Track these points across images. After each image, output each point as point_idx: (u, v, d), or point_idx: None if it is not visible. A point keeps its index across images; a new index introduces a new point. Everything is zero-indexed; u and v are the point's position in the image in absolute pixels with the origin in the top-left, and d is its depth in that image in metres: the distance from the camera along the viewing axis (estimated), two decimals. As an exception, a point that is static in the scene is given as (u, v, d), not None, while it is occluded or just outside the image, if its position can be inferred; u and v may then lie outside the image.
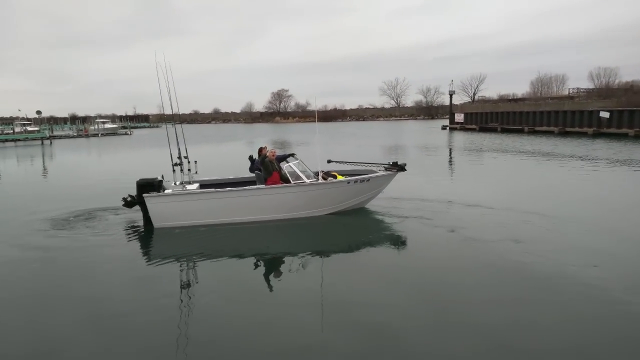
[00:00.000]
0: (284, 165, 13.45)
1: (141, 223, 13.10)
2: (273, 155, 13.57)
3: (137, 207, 13.18)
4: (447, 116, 78.36)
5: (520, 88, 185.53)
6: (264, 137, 65.77)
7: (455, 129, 68.09)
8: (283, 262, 10.32)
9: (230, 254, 10.71)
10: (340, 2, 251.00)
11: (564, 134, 48.84)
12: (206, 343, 6.55)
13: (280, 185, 13.15)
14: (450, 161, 29.68)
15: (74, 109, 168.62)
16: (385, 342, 6.42)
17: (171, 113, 13.69)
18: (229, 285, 8.84)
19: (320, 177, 13.53)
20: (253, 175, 14.30)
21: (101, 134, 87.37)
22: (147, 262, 10.58)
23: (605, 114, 45.95)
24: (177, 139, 13.12)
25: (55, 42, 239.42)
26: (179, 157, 13.30)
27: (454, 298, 7.85)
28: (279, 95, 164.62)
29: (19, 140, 65.42)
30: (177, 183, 13.39)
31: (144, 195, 12.56)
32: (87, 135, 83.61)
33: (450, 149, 37.93)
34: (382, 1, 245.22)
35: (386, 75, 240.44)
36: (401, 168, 14.16)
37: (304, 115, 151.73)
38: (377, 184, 14.16)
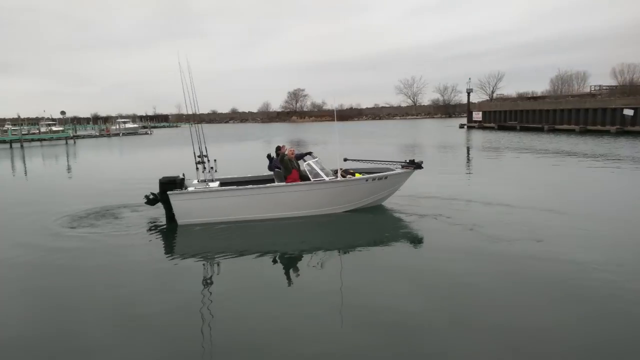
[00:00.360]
0: (304, 163, 13.72)
1: (163, 220, 13.41)
2: (292, 154, 13.87)
3: (159, 205, 13.49)
4: (465, 115, 77.88)
5: (540, 86, 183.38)
6: (281, 136, 66.11)
7: (473, 127, 67.69)
8: (302, 260, 10.43)
9: (251, 251, 10.87)
10: (356, 0, 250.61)
11: (585, 132, 48.26)
12: (227, 341, 6.69)
13: (300, 182, 13.37)
14: (468, 160, 29.54)
15: (96, 110, 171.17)
16: (402, 342, 6.49)
17: (191, 112, 13.93)
18: (249, 283, 8.95)
19: (339, 174, 13.67)
20: (272, 173, 14.52)
21: (122, 134, 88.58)
22: (169, 259, 10.80)
23: (629, 112, 45.24)
24: (198, 138, 13.37)
25: (78, 44, 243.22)
26: (200, 156, 13.58)
27: (472, 298, 7.85)
28: (295, 95, 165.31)
29: (44, 139, 66.72)
30: (199, 181, 13.68)
31: (168, 192, 12.83)
32: (108, 135, 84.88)
33: (468, 148, 37.74)
34: (397, 0, 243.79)
35: (402, 73, 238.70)
36: (418, 166, 14.31)
37: (320, 114, 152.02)
38: (394, 181, 14.34)
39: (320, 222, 13.18)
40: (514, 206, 14.15)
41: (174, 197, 12.85)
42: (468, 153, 33.68)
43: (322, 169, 13.61)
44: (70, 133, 71.27)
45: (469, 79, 75.78)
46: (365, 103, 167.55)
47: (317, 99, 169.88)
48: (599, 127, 47.66)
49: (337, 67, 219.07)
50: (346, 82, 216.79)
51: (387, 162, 15.28)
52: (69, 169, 31.82)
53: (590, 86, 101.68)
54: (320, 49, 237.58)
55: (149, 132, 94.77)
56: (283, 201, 13.27)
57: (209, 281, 9.35)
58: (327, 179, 13.36)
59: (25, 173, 29.63)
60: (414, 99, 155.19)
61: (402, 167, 14.54)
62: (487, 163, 26.94)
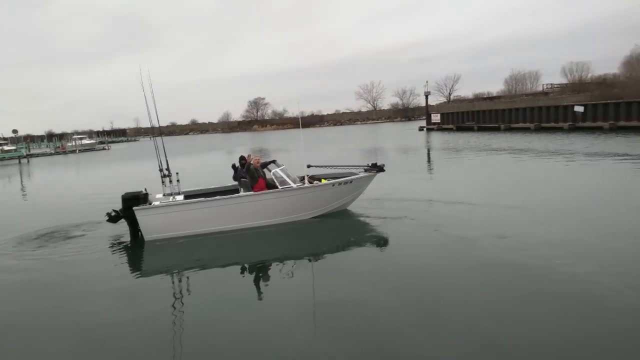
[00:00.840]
0: (271, 171, 13.68)
1: (127, 237, 13.05)
2: (258, 163, 13.84)
3: (121, 221, 13.12)
4: (424, 117, 79.08)
5: (495, 86, 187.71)
6: (243, 145, 65.60)
7: (433, 129, 68.82)
8: (272, 268, 10.38)
9: (220, 263, 10.78)
10: (315, 9, 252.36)
11: (539, 129, 49.74)
12: (197, 355, 6.55)
13: (268, 191, 13.30)
14: (428, 161, 29.98)
15: (50, 127, 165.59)
16: (376, 344, 6.50)
17: (151, 126, 13.69)
18: (219, 295, 8.82)
19: (306, 181, 13.70)
20: (236, 183, 14.37)
21: (79, 150, 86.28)
22: (135, 276, 10.54)
23: (579, 109, 46.92)
24: (164, 151, 13.23)
25: (32, 61, 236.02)
26: (162, 170, 13.36)
27: (441, 296, 7.95)
28: (256, 104, 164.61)
29: (-6, 160, 64.35)
30: (164, 195, 13.43)
31: (134, 208, 12.49)
32: (64, 152, 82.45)
33: (428, 150, 38.33)
34: (357, 6, 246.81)
35: (362, 79, 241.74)
36: (380, 169, 14.54)
37: (281, 122, 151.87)
38: (358, 185, 14.51)
39: (289, 230, 13.16)
40: (474, 204, 14.44)
41: (140, 213, 12.50)
42: (428, 154, 34.20)
43: (289, 176, 13.60)
44: (24, 152, 69.04)
45: (427, 82, 76.90)
46: (327, 109, 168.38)
47: (278, 106, 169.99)
48: (552, 125, 49.19)
49: (298, 74, 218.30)
50: (307, 90, 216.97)
51: (350, 167, 15.40)
52: (22, 189, 30.74)
53: (543, 84, 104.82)
54: (281, 57, 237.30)
55: (107, 148, 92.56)
56: (251, 210, 13.16)
57: (177, 295, 9.17)
58: (294, 185, 13.35)
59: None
60: (373, 103, 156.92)
61: (365, 170, 14.71)
62: (446, 164, 27.37)
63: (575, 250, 9.77)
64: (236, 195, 13.31)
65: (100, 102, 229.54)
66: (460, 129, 62.56)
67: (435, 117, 71.17)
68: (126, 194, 12.93)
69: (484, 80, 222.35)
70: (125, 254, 12.08)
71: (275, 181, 13.40)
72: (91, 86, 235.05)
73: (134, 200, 12.69)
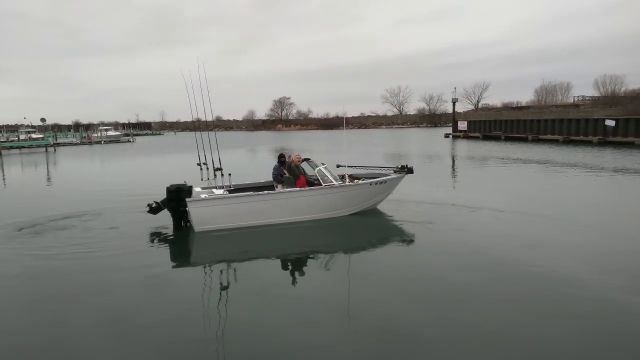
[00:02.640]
0: (316, 169, 14.24)
1: (164, 229, 13.33)
2: (299, 160, 14.48)
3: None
4: (450, 124, 78.30)
5: (524, 96, 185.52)
6: (266, 144, 65.81)
7: (458, 137, 67.97)
8: (309, 263, 10.79)
9: (261, 255, 11.22)
10: (348, 10, 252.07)
11: (568, 142, 48.63)
12: (231, 347, 6.58)
13: (313, 187, 13.93)
14: (453, 168, 29.49)
15: (78, 117, 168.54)
16: (394, 344, 6.38)
17: (196, 119, 14.26)
18: (256, 288, 8.93)
19: (347, 179, 14.41)
20: (270, 180, 14.72)
21: (104, 141, 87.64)
22: (173, 265, 11.01)
23: (610, 122, 45.71)
24: (202, 146, 13.83)
25: (65, 51, 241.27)
26: (200, 163, 13.91)
27: (462, 300, 7.95)
28: (281, 103, 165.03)
29: (23, 147, 65.60)
30: (202, 188, 13.89)
31: (187, 199, 12.76)
32: (90, 143, 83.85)
33: (454, 157, 37.74)
34: (390, 10, 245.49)
35: (389, 83, 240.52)
36: (410, 170, 15.20)
37: (306, 122, 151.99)
38: (390, 185, 15.20)
39: (330, 225, 13.68)
40: (499, 212, 14.56)
41: (193, 205, 12.79)
42: (453, 162, 33.63)
43: (331, 174, 14.20)
44: (51, 141, 70.22)
45: (455, 88, 76.05)
46: (352, 112, 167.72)
47: (303, 107, 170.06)
48: (581, 137, 48.07)
49: (325, 75, 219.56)
50: (333, 91, 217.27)
51: (380, 168, 16.07)
52: (48, 177, 31.16)
53: (574, 97, 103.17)
54: (309, 57, 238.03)
55: (132, 140, 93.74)
56: (295, 205, 13.64)
57: (216, 286, 9.45)
58: (336, 183, 13.89)
59: (3, 181, 28.83)
60: (399, 108, 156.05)
61: (394, 171, 15.36)
62: (472, 172, 26.85)
63: (597, 261, 9.73)
64: (285, 190, 13.71)
65: (127, 94, 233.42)
66: (487, 137, 61.62)
67: (462, 125, 70.29)
68: (171, 185, 13.25)
69: (514, 90, 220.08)
70: (168, 244, 12.40)
71: (319, 178, 13.97)
72: (120, 78, 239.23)
73: (179, 192, 12.99)
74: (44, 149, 63.17)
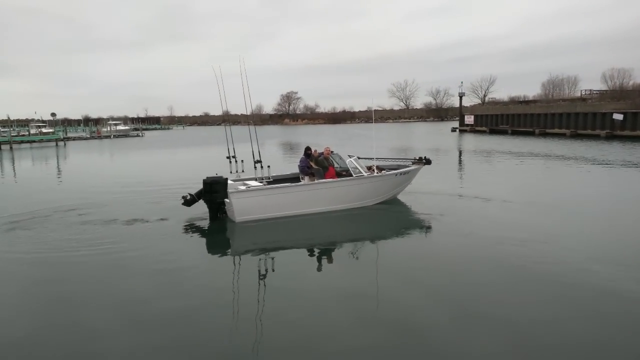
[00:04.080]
0: (347, 160, 14.92)
1: (200, 220, 13.81)
2: (328, 153, 15.12)
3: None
4: (457, 118, 78.27)
5: (531, 90, 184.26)
6: (274, 138, 66.03)
7: (465, 131, 68.02)
8: (338, 253, 11.21)
9: (298, 245, 11.81)
10: (355, 5, 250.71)
11: (575, 136, 48.60)
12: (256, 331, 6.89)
13: (346, 178, 14.56)
14: (460, 162, 29.69)
15: (87, 112, 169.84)
16: (408, 338, 6.64)
17: (224, 113, 14.54)
18: (292, 275, 9.41)
19: (376, 171, 15.11)
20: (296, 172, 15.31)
21: (113, 136, 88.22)
22: (218, 255, 11.49)
23: (618, 116, 45.62)
24: (232, 139, 14.16)
25: (75, 46, 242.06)
26: (229, 157, 14.31)
27: (475, 293, 8.09)
28: (288, 98, 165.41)
29: (34, 141, 66.24)
30: (232, 180, 14.35)
31: (229, 191, 13.25)
32: (99, 137, 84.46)
33: (460, 151, 37.91)
34: (397, 4, 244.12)
35: (396, 77, 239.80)
36: (428, 161, 16.03)
37: (313, 117, 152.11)
38: (410, 176, 15.97)
39: (359, 215, 14.30)
40: (510, 204, 14.99)
41: (235, 196, 13.22)
42: (460, 156, 33.80)
43: (362, 166, 14.86)
44: (61, 135, 70.79)
45: (461, 82, 75.95)
46: (359, 106, 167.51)
47: (310, 101, 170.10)
48: (589, 132, 47.98)
49: (332, 70, 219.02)
50: (340, 85, 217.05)
51: (398, 160, 16.82)
52: (58, 171, 31.63)
53: (581, 91, 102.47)
54: (316, 52, 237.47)
55: (141, 135, 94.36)
56: (329, 196, 14.26)
57: (261, 274, 9.78)
58: (366, 174, 14.58)
59: (13, 175, 29.31)
60: (406, 102, 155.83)
61: (412, 163, 16.12)
62: (479, 165, 27.05)
63: (612, 256, 9.78)
64: (321, 181, 14.26)
65: (137, 89, 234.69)
66: (494, 131, 61.64)
67: (469, 119, 70.34)
68: (208, 178, 13.76)
69: (521, 84, 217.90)
70: (207, 234, 12.92)
71: (350, 169, 14.57)
72: (129, 73, 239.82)
73: (216, 184, 13.52)
74: (54, 143, 63.74)
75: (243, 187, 13.65)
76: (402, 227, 13.28)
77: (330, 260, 10.63)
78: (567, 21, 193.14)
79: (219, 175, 14.07)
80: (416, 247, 11.28)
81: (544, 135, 52.59)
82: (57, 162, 37.93)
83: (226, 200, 13.55)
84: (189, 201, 14.02)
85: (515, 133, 57.38)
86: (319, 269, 10.06)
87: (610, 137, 44.64)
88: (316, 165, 14.59)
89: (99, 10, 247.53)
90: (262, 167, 14.09)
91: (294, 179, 14.98)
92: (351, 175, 14.55)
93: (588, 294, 7.87)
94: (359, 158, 15.48)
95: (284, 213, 13.76)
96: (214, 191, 13.50)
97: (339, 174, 14.85)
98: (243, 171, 14.41)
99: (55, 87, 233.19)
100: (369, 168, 15.30)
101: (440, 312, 7.44)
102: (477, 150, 37.16)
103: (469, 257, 10.00)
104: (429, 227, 12.96)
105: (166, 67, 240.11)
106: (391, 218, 14.34)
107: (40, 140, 67.06)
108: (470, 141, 48.75)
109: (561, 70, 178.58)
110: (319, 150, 15.29)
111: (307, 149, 15.07)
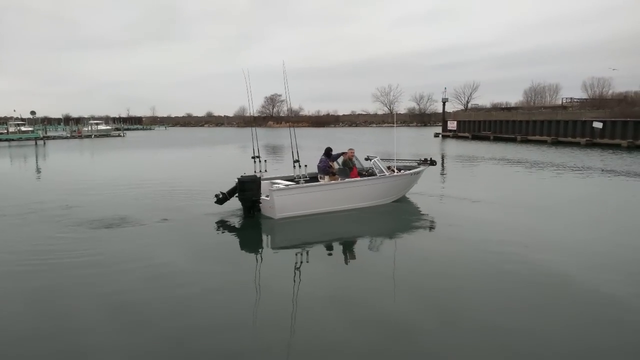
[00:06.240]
0: (372, 160, 16.12)
1: (233, 217, 14.42)
2: (352, 154, 15.92)
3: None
4: (440, 124, 78.83)
5: (513, 97, 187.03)
6: (258, 140, 65.47)
7: (448, 136, 68.53)
8: (360, 248, 11.96)
9: (337, 239, 12.44)
10: (345, 10, 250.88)
11: (556, 143, 49.30)
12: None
13: (371, 177, 15.71)
14: (442, 168, 29.87)
15: (68, 110, 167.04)
16: (396, 340, 6.59)
17: (288, 114, 14.74)
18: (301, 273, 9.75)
19: (395, 171, 16.37)
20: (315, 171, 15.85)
21: (94, 135, 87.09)
22: (254, 252, 11.99)
23: (598, 124, 46.40)
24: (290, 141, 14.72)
25: (60, 44, 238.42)
26: (254, 157, 15.09)
27: (466, 299, 8.11)
28: (272, 100, 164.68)
29: (12, 140, 65.14)
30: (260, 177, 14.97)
31: (271, 189, 13.98)
32: (80, 136, 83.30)
33: (443, 156, 38.15)
34: (387, 10, 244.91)
35: (381, 81, 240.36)
36: (432, 163, 17.35)
37: (296, 120, 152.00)
38: (418, 176, 17.22)
39: (381, 212, 15.34)
40: (500, 205, 15.67)
41: (276, 194, 13.91)
42: (443, 162, 34.01)
43: (383, 166, 15.98)
44: (40, 134, 69.73)
45: (445, 88, 76.65)
46: (343, 110, 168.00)
47: (295, 104, 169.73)
48: (569, 139, 48.69)
49: (317, 73, 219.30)
50: (326, 89, 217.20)
51: (404, 160, 17.95)
52: (38, 170, 31.12)
53: (562, 98, 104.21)
54: (303, 55, 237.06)
55: (122, 135, 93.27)
56: (357, 194, 15.29)
57: (297, 267, 10.17)
58: (387, 174, 15.75)
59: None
60: (390, 107, 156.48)
61: (418, 164, 17.33)
62: (462, 171, 27.27)
63: (598, 261, 9.95)
64: (354, 179, 15.30)
65: (120, 88, 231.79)
66: (476, 137, 62.21)
67: (452, 125, 70.87)
68: (242, 177, 14.40)
69: (504, 90, 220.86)
70: (243, 231, 13.50)
71: (374, 169, 15.78)
72: (112, 72, 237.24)
73: (251, 183, 14.24)
74: (33, 142, 62.77)
75: (282, 186, 14.37)
76: (405, 227, 13.76)
77: (342, 259, 11.07)
78: (551, 30, 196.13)
79: (252, 174, 14.69)
80: (414, 249, 11.43)
81: (526, 141, 53.20)
82: (36, 161, 37.29)
83: (263, 197, 14.32)
84: (221, 199, 14.71)
85: (497, 139, 57.98)
86: (328, 268, 10.18)
87: (590, 145, 45.37)
88: (343, 166, 15.61)
89: (84, 8, 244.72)
90: (299, 166, 14.57)
91: (311, 179, 15.38)
92: (369, 175, 15.76)
93: (583, 302, 7.92)
94: (381, 159, 16.48)
95: (318, 210, 14.58)
96: (248, 189, 14.12)
97: (361, 174, 15.87)
98: (266, 170, 15.20)
99: (36, 84, 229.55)
100: (389, 168, 16.42)
101: (431, 316, 7.44)
102: (460, 157, 37.44)
103: (468, 259, 10.18)
104: (432, 228, 13.62)
105: (151, 67, 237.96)
106: (394, 218, 15.06)
107: (19, 139, 65.99)
108: (453, 147, 49.10)
109: (543, 78, 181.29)
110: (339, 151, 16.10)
111: (329, 149, 15.75)
